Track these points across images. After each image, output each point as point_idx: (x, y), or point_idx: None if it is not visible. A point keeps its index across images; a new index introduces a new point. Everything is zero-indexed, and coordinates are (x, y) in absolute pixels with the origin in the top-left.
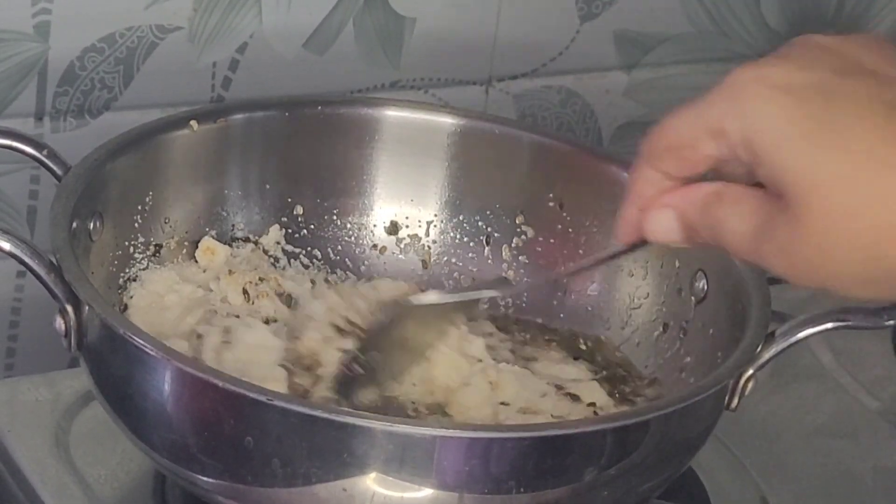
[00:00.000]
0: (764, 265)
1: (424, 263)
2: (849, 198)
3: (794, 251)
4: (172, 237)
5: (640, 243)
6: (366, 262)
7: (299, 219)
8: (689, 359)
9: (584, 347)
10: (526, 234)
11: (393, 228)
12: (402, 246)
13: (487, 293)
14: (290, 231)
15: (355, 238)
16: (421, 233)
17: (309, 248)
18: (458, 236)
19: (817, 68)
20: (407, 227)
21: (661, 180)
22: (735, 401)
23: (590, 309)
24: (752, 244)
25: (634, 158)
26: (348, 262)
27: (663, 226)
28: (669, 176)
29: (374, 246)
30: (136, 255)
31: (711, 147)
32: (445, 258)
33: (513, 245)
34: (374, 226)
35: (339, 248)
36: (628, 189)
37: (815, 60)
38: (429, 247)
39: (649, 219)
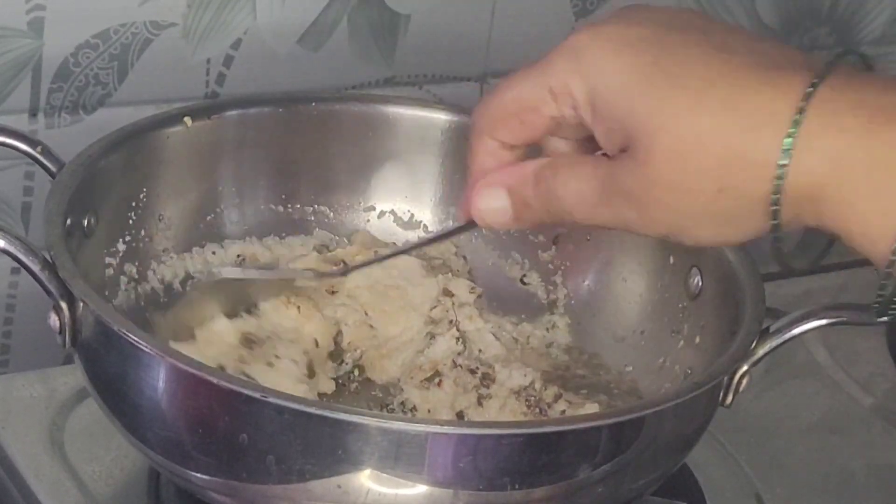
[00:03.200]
0: (611, 219)
1: None
2: (692, 132)
3: (645, 194)
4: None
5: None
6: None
7: (293, 215)
8: (683, 355)
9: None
10: (520, 230)
11: None
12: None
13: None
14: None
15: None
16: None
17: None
18: None
19: (649, 25)
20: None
21: (499, 150)
22: (730, 397)
23: (583, 307)
24: (598, 200)
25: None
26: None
27: (493, 205)
28: (507, 145)
29: None
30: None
31: (553, 108)
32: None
33: (507, 241)
34: (368, 221)
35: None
36: (469, 164)
37: (646, 19)
38: None
39: (477, 199)
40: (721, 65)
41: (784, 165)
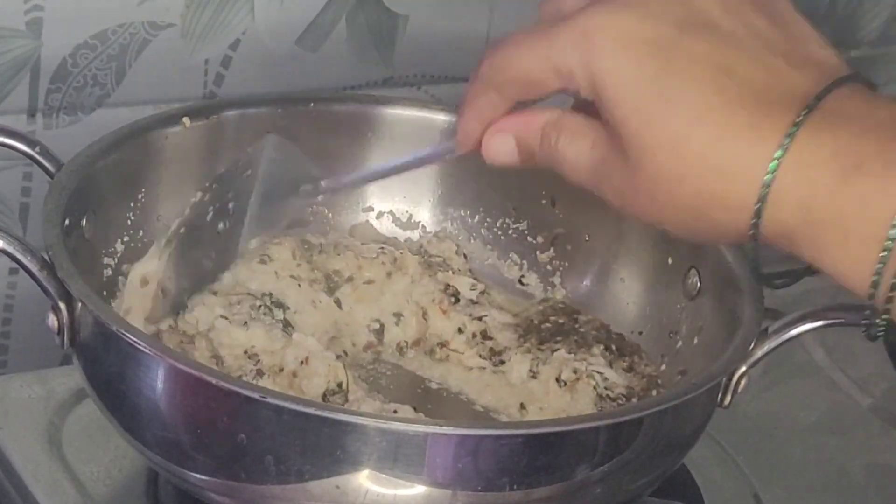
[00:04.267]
0: (598, 193)
1: None
2: (675, 165)
3: (629, 196)
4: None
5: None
6: None
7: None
8: (681, 356)
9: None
10: (518, 231)
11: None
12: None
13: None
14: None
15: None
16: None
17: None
18: (450, 233)
19: (663, 19)
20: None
21: (503, 102)
22: (728, 398)
23: (581, 308)
24: (589, 178)
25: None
26: None
27: (501, 150)
28: (512, 100)
29: None
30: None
31: (558, 83)
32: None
33: (505, 242)
34: (367, 222)
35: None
36: (467, 102)
37: (664, 9)
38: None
39: (487, 143)
40: (714, 95)
41: (757, 209)
